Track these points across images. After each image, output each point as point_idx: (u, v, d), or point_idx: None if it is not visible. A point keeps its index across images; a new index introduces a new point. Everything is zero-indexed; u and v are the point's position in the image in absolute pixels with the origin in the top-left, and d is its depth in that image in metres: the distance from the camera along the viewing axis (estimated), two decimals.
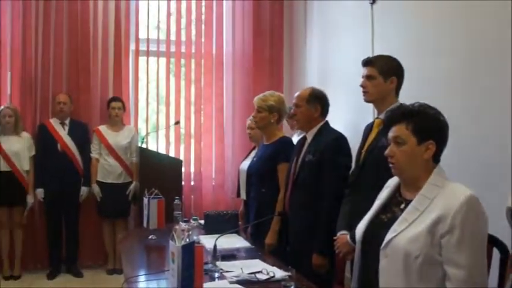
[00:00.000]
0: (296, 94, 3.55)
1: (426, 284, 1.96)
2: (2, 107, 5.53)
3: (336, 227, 2.95)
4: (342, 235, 2.86)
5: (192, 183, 6.23)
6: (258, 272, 2.73)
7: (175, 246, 2.17)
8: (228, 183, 6.28)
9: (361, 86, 2.96)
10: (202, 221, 4.01)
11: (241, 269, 2.78)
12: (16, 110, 5.55)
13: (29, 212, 5.66)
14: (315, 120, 3.46)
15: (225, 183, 6.32)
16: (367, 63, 2.95)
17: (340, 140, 3.35)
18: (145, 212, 3.89)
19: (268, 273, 2.71)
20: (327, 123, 3.49)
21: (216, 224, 3.85)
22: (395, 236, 2.03)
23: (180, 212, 4.13)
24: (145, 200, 3.86)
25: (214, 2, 6.34)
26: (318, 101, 3.46)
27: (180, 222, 3.64)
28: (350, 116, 4.65)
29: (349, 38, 5.00)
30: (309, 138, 3.46)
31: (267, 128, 3.90)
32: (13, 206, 5.55)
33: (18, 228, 5.62)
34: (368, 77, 2.92)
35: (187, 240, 2.24)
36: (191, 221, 3.31)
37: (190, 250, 2.19)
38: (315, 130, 3.44)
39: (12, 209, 5.55)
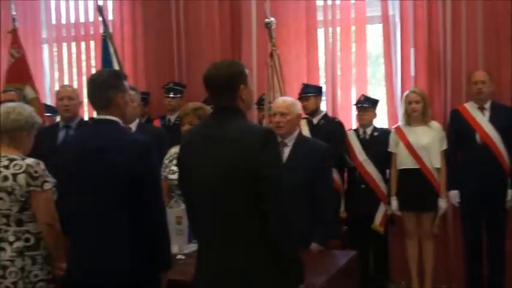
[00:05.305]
0: None
1: None
2: (407, 91, 5.15)
3: None
4: None
5: None
6: None
7: None
8: None
9: None
10: None
11: None
12: (424, 95, 5.09)
13: (440, 219, 5.13)
14: None
15: None
16: None
17: None
18: None
19: None
20: None
21: None
22: None
23: None
24: None
25: None
26: None
27: None
28: None
29: None
30: None
31: None
32: (421, 212, 5.05)
33: (428, 238, 5.09)
34: None
35: None
36: None
37: None
38: None
39: (420, 215, 5.04)
